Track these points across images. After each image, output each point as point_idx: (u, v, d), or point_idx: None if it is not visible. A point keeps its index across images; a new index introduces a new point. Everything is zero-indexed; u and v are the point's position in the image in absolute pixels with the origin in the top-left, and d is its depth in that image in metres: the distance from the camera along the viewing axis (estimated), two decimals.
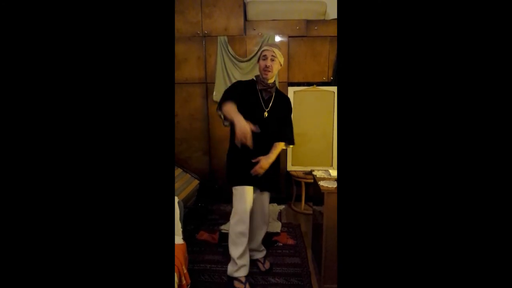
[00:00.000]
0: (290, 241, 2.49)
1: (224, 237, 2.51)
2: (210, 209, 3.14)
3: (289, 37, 2.98)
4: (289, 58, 3.00)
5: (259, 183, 1.88)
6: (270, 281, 2.01)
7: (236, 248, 1.86)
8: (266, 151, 1.84)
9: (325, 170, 2.19)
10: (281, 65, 1.84)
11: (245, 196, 1.83)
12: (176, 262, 1.60)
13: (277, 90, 1.94)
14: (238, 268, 1.89)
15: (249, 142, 1.60)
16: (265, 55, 1.78)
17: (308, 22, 2.98)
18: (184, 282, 1.65)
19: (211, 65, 3.04)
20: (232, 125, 1.76)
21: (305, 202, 3.09)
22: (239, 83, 1.91)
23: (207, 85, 3.08)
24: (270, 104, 1.87)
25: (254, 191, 1.90)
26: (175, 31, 2.97)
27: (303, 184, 3.03)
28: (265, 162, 1.80)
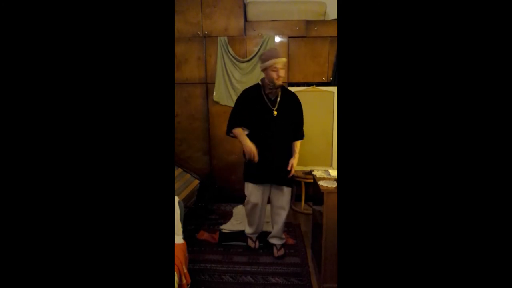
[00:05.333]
0: (290, 241, 2.50)
1: (224, 236, 2.53)
2: (210, 209, 3.14)
3: (289, 37, 2.98)
4: (289, 59, 3.00)
5: (266, 179, 2.19)
6: (270, 281, 2.01)
7: (249, 218, 2.35)
8: (279, 147, 2.12)
9: (324, 170, 2.19)
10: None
11: (251, 191, 2.22)
12: (176, 261, 1.60)
13: (283, 88, 2.16)
14: (251, 231, 2.38)
15: (256, 159, 2.06)
16: (276, 68, 1.98)
17: (308, 23, 2.98)
18: (184, 281, 1.65)
19: (211, 66, 3.04)
20: (229, 120, 2.17)
21: (305, 202, 3.10)
22: (243, 93, 2.17)
23: (207, 85, 3.09)
24: (278, 103, 2.10)
25: (268, 186, 2.24)
26: (176, 31, 2.97)
27: (303, 184, 3.03)
28: (295, 162, 2.14)
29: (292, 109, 2.15)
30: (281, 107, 2.10)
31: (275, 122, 2.08)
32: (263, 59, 2.04)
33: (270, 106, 2.09)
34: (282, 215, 2.26)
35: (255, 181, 2.18)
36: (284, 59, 2.02)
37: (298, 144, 2.18)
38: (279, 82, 2.04)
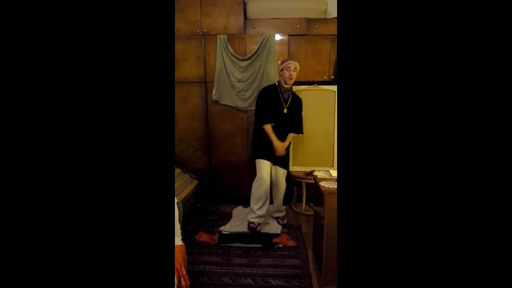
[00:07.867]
0: (291, 243, 2.47)
1: (224, 238, 2.49)
2: (210, 210, 3.11)
3: (290, 35, 2.95)
4: (289, 57, 2.97)
5: (273, 160, 2.61)
6: (270, 283, 1.99)
7: (257, 204, 2.59)
8: (284, 137, 2.58)
9: (326, 171, 2.16)
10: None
11: (263, 167, 2.58)
12: (175, 263, 1.58)
13: (293, 92, 2.64)
14: (255, 217, 2.58)
15: (283, 152, 2.56)
16: (289, 67, 2.44)
17: (309, 21, 2.96)
18: (183, 283, 1.63)
19: (210, 64, 3.01)
20: (258, 115, 2.61)
21: (306, 203, 3.06)
22: (263, 91, 2.60)
23: (207, 84, 3.05)
24: (289, 103, 2.57)
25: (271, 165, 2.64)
26: (175, 30, 2.94)
27: (303, 184, 3.00)
28: (281, 146, 2.55)
29: (297, 109, 2.64)
30: (290, 106, 2.58)
31: (284, 117, 2.56)
32: (281, 62, 2.52)
33: (284, 104, 2.55)
34: (280, 191, 2.75)
35: (265, 158, 2.58)
36: (297, 63, 2.46)
37: (290, 135, 2.63)
38: (290, 83, 2.48)
